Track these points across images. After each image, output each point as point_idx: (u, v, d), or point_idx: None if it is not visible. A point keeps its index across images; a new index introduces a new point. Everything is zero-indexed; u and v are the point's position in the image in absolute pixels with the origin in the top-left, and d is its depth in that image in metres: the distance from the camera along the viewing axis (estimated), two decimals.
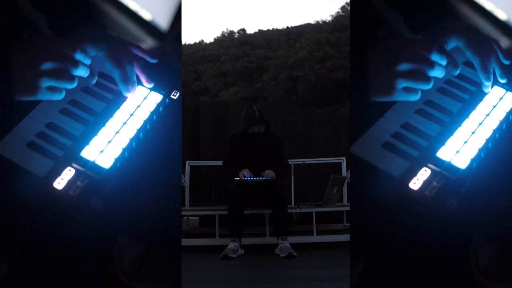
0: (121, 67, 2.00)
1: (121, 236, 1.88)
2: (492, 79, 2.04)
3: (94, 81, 2.02)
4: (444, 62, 2.01)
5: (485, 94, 2.06)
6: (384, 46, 2.02)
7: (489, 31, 2.11)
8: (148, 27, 2.10)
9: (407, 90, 1.99)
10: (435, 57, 2.00)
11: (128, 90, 2.02)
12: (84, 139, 1.93)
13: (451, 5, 2.10)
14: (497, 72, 2.04)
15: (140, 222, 1.89)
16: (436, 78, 2.02)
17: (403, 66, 1.98)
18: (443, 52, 2.02)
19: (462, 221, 1.87)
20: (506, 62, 2.04)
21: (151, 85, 2.05)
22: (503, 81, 2.05)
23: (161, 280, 1.91)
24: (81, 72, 1.98)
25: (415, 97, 2.00)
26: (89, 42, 2.00)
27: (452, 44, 2.04)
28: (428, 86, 2.00)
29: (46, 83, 1.93)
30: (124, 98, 2.03)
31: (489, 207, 1.88)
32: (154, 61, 2.06)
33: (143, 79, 2.04)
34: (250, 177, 3.89)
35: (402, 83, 1.98)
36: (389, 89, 1.98)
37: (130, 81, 2.01)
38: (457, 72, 2.04)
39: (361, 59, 2.03)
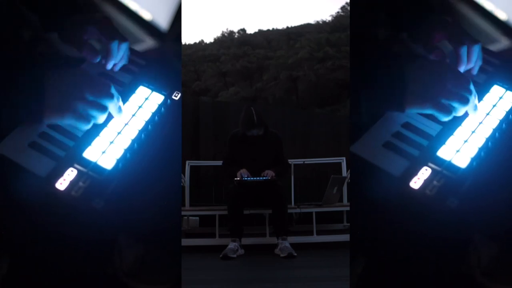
0: (116, 39, 1.98)
1: (121, 236, 1.88)
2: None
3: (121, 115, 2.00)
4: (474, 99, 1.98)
5: (485, 93, 2.06)
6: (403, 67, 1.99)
7: (489, 31, 2.12)
8: (148, 27, 2.10)
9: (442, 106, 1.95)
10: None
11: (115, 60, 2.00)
12: (86, 140, 1.93)
13: (442, 5, 2.09)
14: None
15: (140, 222, 1.89)
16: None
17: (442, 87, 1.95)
18: (430, 47, 2.01)
19: (463, 220, 1.87)
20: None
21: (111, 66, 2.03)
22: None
23: (161, 280, 1.92)
24: (113, 108, 1.94)
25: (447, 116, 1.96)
26: (82, 24, 1.98)
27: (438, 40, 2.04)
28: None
29: (79, 107, 1.90)
30: (127, 99, 2.03)
31: (489, 206, 1.88)
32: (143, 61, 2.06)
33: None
34: (248, 177, 3.90)
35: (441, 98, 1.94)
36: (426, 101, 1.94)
37: (125, 55, 2.00)
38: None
39: (361, 59, 2.03)
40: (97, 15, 2.03)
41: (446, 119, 1.97)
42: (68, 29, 1.99)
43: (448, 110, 1.94)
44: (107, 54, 1.99)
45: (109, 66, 2.01)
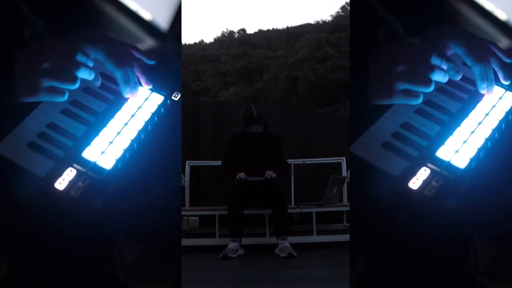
0: (122, 67, 2.00)
1: (121, 236, 1.88)
2: (489, 87, 2.03)
3: (99, 83, 2.02)
4: (445, 66, 2.02)
5: (484, 94, 2.06)
6: (385, 49, 2.02)
7: (489, 31, 2.12)
8: (148, 27, 2.10)
9: (407, 92, 1.99)
10: (435, 61, 2.00)
11: (128, 92, 2.01)
12: (85, 140, 1.93)
13: (449, 9, 2.10)
14: (500, 75, 2.03)
15: (140, 222, 1.90)
16: (437, 82, 2.02)
17: (402, 68, 1.98)
18: (444, 57, 2.02)
19: (461, 220, 1.87)
20: (508, 61, 2.03)
21: (149, 87, 2.05)
22: (506, 82, 2.04)
23: (161, 280, 1.92)
24: (84, 74, 1.98)
25: (416, 101, 2.00)
26: (88, 44, 2.00)
27: (451, 50, 2.05)
28: (429, 89, 2.00)
29: (46, 83, 1.92)
30: (126, 99, 2.03)
31: (488, 206, 1.88)
32: (152, 62, 2.06)
33: (142, 80, 2.04)
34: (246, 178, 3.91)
35: (401, 85, 1.98)
36: (389, 92, 1.98)
37: (131, 82, 2.01)
38: (459, 77, 2.04)
39: (361, 59, 2.03)
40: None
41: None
42: (72, 42, 2.01)
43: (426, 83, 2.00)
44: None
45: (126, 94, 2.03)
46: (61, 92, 1.95)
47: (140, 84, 2.04)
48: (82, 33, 2.01)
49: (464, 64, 2.08)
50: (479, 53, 2.02)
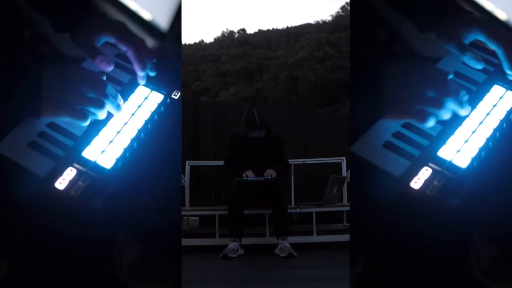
0: (133, 46, 1.99)
1: (121, 236, 1.88)
2: None
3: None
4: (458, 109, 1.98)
5: (485, 93, 2.06)
6: (402, 67, 2.00)
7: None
8: (148, 27, 2.10)
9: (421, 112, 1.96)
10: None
11: (142, 69, 2.01)
12: (86, 139, 1.93)
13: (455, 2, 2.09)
14: (506, 66, 2.00)
15: (140, 222, 1.89)
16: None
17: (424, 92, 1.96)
18: (461, 46, 2.00)
19: (463, 220, 1.87)
20: None
21: (154, 73, 2.04)
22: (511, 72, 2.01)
23: (161, 280, 1.91)
24: (110, 106, 1.94)
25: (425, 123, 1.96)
26: (98, 29, 1.99)
27: (471, 37, 2.03)
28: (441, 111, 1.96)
29: (75, 105, 1.91)
30: (125, 98, 2.03)
31: (490, 206, 1.88)
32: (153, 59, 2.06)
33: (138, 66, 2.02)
34: (253, 177, 3.91)
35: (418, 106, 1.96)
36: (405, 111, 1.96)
37: (144, 60, 2.00)
38: (482, 65, 2.02)
39: (361, 60, 2.03)
40: (112, 21, 2.04)
41: (425, 126, 1.96)
42: (81, 33, 2.00)
43: (423, 118, 1.94)
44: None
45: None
46: (84, 116, 1.92)
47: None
48: (90, 22, 2.00)
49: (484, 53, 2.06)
50: (501, 36, 1.99)
